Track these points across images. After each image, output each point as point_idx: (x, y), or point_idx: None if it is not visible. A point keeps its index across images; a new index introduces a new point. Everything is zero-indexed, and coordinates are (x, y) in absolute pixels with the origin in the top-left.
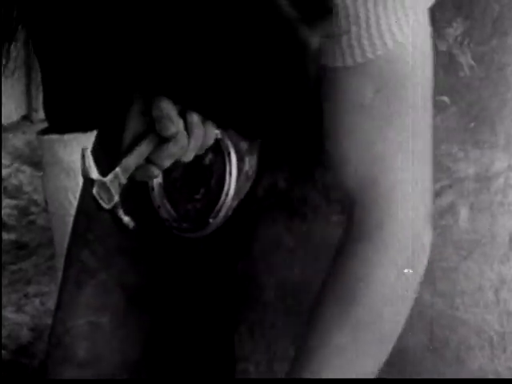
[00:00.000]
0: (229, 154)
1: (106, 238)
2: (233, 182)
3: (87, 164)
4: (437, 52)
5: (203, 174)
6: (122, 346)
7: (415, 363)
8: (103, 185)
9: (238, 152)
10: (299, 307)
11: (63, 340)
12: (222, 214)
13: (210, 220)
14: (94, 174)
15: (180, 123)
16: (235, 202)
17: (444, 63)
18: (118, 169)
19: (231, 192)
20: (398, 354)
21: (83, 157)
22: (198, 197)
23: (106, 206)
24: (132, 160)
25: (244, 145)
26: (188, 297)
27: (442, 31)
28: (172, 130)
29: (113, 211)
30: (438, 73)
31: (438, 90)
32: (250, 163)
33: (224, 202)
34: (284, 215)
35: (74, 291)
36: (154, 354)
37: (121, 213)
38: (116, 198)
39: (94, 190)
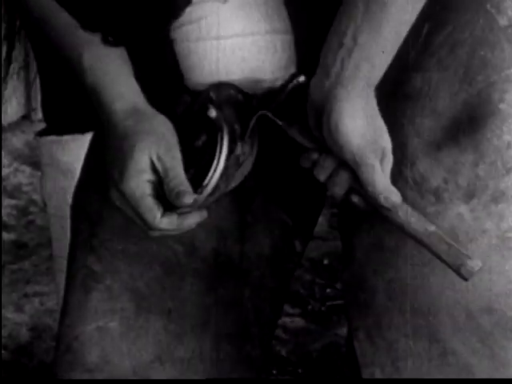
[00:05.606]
0: (221, 133)
1: (111, 243)
2: (222, 160)
3: None
4: (499, 27)
5: (195, 155)
6: (131, 350)
7: None
8: None
9: (231, 133)
10: (412, 304)
11: (72, 346)
12: (207, 190)
13: (195, 196)
14: None
15: None
16: (223, 185)
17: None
18: None
19: (219, 169)
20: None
21: None
22: (188, 176)
23: None
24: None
25: (237, 128)
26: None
27: (501, 5)
28: None
29: None
30: (504, 49)
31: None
32: (243, 149)
33: (211, 178)
34: (380, 218)
35: (82, 297)
36: (164, 357)
37: None
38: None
39: None
